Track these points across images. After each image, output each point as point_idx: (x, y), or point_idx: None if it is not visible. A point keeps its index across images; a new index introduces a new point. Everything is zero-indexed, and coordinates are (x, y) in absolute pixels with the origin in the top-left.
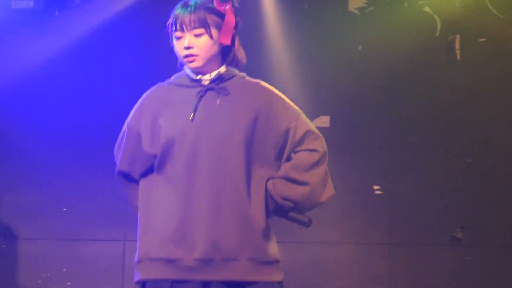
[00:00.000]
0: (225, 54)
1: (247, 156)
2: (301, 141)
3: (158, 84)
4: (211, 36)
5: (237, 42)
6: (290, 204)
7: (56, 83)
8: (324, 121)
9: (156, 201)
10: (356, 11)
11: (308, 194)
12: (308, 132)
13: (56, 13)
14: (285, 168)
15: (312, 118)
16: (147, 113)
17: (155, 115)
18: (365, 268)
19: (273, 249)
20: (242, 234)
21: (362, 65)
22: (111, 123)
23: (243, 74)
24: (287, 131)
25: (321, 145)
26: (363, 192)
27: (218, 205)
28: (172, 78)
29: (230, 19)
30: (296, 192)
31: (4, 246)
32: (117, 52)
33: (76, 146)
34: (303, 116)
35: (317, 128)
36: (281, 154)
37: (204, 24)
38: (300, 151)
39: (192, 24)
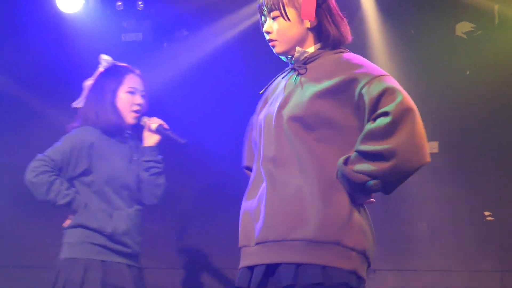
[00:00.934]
0: (319, 33)
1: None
2: (376, 104)
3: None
4: (287, 18)
5: (328, 17)
6: (365, 178)
7: (167, 112)
8: (433, 147)
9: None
10: (464, 36)
11: (386, 167)
12: (385, 92)
13: (165, 44)
14: (357, 140)
15: None
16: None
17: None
18: None
19: (334, 228)
20: (293, 213)
21: (471, 90)
22: (224, 150)
23: (340, 50)
24: (362, 96)
25: (397, 104)
26: (474, 218)
27: (273, 187)
28: None
29: None
30: (367, 166)
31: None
32: (224, 80)
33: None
34: (385, 77)
35: None
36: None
37: (277, 6)
38: (374, 118)
39: (268, 7)
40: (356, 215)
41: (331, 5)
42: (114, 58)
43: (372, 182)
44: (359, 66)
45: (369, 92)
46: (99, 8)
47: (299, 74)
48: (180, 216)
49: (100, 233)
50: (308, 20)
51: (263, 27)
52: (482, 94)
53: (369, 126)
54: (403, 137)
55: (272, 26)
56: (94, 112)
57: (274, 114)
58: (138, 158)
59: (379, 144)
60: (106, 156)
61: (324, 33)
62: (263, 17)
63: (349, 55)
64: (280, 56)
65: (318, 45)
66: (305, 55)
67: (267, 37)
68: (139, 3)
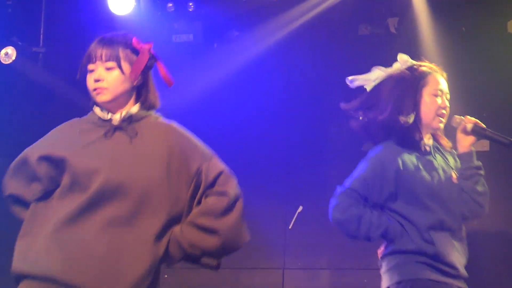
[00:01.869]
0: (139, 94)
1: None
2: (213, 183)
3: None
4: (122, 71)
5: (150, 84)
6: (197, 252)
7: (216, 112)
8: (484, 145)
9: None
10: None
11: (216, 243)
12: (221, 174)
13: (215, 45)
14: (194, 213)
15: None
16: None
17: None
18: None
19: None
20: (110, 273)
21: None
22: (261, 150)
23: (157, 115)
24: (199, 173)
25: (232, 187)
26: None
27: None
28: (87, 116)
29: (143, 57)
30: (204, 240)
31: (165, 276)
32: (273, 82)
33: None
34: (216, 159)
35: (476, 152)
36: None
37: (116, 58)
38: (210, 195)
39: (104, 56)
40: None
41: (151, 72)
42: (165, 58)
43: (204, 258)
44: (193, 142)
45: (207, 171)
46: (150, 10)
47: (128, 135)
48: None
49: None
50: (136, 79)
51: (89, 72)
52: None
53: (207, 201)
54: (235, 220)
55: (103, 75)
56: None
57: (109, 171)
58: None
59: (216, 221)
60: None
61: (144, 94)
62: (91, 65)
63: (176, 126)
64: (99, 111)
65: (138, 105)
66: (133, 114)
67: (95, 84)
68: (190, 4)
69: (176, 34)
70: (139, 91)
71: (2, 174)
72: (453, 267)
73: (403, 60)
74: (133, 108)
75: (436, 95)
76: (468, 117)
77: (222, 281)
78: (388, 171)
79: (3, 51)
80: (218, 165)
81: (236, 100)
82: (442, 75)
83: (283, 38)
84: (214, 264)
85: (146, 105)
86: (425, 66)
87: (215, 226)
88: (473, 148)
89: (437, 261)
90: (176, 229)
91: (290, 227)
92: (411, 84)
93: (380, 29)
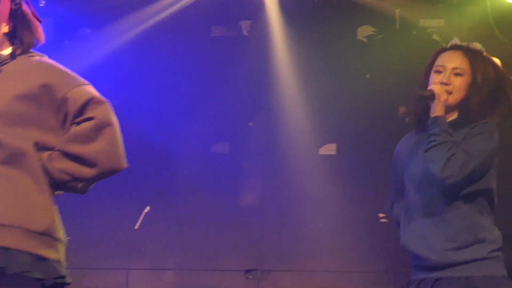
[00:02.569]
0: (13, 37)
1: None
2: (81, 110)
3: None
4: None
5: (26, 25)
6: (66, 177)
7: None
8: (331, 148)
9: None
10: (365, 39)
11: (85, 169)
12: (91, 100)
13: (66, 42)
14: (61, 141)
15: (319, 146)
16: None
17: None
18: None
19: (44, 220)
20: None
21: (371, 93)
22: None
23: (34, 54)
24: (65, 100)
25: (101, 111)
26: (369, 220)
27: None
28: None
29: (4, 3)
30: (72, 167)
31: None
32: (124, 81)
33: None
34: (87, 86)
35: (324, 156)
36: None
37: None
38: (79, 122)
39: None
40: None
41: (25, 12)
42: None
43: (71, 183)
44: (62, 72)
45: (74, 98)
46: None
47: None
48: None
49: None
50: (4, 25)
51: None
52: (381, 98)
53: (74, 128)
54: (104, 145)
55: None
56: None
57: None
58: None
59: (83, 148)
60: None
61: (18, 38)
62: None
63: (47, 61)
64: None
65: (10, 49)
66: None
67: None
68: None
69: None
70: (14, 34)
71: None
72: (420, 257)
73: (450, 43)
74: (4, 52)
75: (437, 71)
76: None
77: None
78: (393, 160)
79: None
80: (87, 91)
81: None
82: (455, 50)
83: (136, 37)
84: (80, 188)
85: (23, 47)
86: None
87: (81, 151)
88: (433, 115)
89: (411, 257)
90: (44, 155)
91: (136, 227)
92: (427, 67)
93: (233, 31)
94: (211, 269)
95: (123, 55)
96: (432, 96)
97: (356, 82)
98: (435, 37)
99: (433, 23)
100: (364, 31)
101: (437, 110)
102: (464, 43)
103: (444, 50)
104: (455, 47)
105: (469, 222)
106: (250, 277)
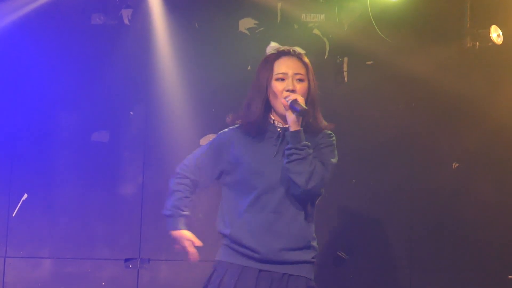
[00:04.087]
0: None
1: None
2: None
3: None
4: None
5: None
6: None
7: None
8: (211, 138)
9: None
10: (247, 32)
11: None
12: None
13: None
14: None
15: (200, 136)
16: None
17: None
18: None
19: None
20: None
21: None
22: None
23: None
24: None
25: None
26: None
27: None
28: None
29: None
30: None
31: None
32: None
33: None
34: None
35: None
36: None
37: None
38: None
39: None
40: None
41: None
42: None
43: None
44: None
45: None
46: None
47: None
48: None
49: None
50: None
51: None
52: None
53: None
54: None
55: None
56: None
57: None
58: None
59: None
60: None
61: None
62: None
63: None
64: None
65: None
66: None
67: None
68: None
69: None
70: None
71: None
72: (253, 250)
73: (270, 48)
74: None
75: (278, 79)
76: (289, 93)
77: None
78: (216, 146)
79: None
80: None
81: None
82: (293, 57)
83: (11, 24)
84: None
85: None
86: (278, 50)
87: None
88: (298, 128)
89: (236, 244)
90: None
91: (13, 215)
92: (261, 75)
93: (113, 19)
94: (90, 258)
95: None
96: (305, 112)
97: (237, 74)
98: (316, 31)
99: (314, 18)
100: (246, 23)
101: (296, 123)
102: (288, 48)
103: (278, 56)
104: (288, 53)
105: (307, 227)
106: (130, 266)
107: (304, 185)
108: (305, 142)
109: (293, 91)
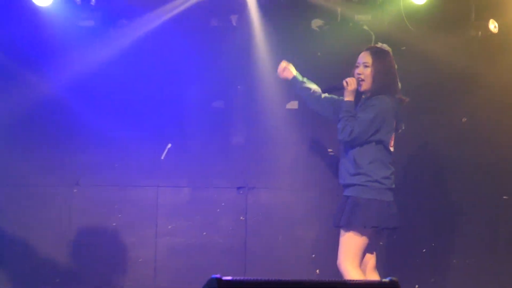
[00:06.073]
0: None
1: None
2: None
3: None
4: None
5: None
6: None
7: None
8: (293, 104)
9: None
10: (317, 29)
11: None
12: None
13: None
14: None
15: (285, 103)
16: None
17: None
18: None
19: None
20: None
21: (321, 69)
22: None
23: None
24: None
25: None
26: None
27: None
28: None
29: None
30: None
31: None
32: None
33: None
34: None
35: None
36: None
37: None
38: None
39: None
40: None
41: None
42: (68, 41)
43: None
44: None
45: None
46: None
47: None
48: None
49: None
50: None
51: None
52: (328, 73)
53: None
54: None
55: None
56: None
57: None
58: None
59: None
60: None
61: None
62: None
63: None
64: None
65: None
66: None
67: None
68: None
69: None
70: None
71: None
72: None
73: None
74: None
75: (355, 66)
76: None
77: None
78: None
79: None
80: None
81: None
82: (366, 51)
83: (158, 27)
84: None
85: None
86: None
87: None
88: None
89: None
90: None
91: (162, 157)
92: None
93: (225, 22)
94: (215, 187)
95: (137, 49)
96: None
97: (309, 61)
98: (365, 27)
99: (363, 18)
100: (316, 23)
101: (347, 96)
102: (375, 45)
103: (365, 49)
104: (367, 49)
105: (354, 161)
106: (241, 192)
107: (339, 136)
108: (347, 109)
109: (359, 74)
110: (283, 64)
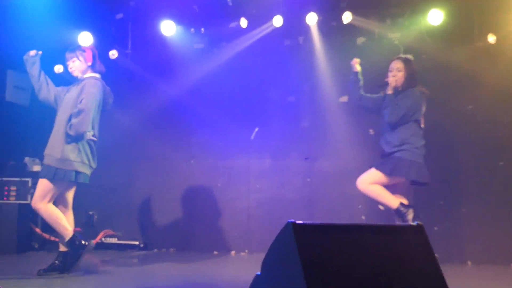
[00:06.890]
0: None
1: None
2: None
3: None
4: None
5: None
6: None
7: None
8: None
9: None
10: (361, 45)
11: None
12: None
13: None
14: None
15: (338, 97)
16: None
17: None
18: None
19: None
20: None
21: (363, 73)
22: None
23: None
24: None
25: None
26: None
27: None
28: None
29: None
30: None
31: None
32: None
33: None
34: None
35: (340, 102)
36: None
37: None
38: None
39: None
40: None
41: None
42: (185, 62)
43: None
44: None
45: None
46: (185, 31)
47: None
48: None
49: None
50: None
51: None
52: (367, 78)
53: None
54: None
55: None
56: None
57: None
58: None
59: None
60: None
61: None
62: None
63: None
64: None
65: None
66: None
67: None
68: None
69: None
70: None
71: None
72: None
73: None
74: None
75: (389, 71)
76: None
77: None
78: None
79: (110, 52)
80: None
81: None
82: (397, 59)
83: (238, 53)
84: None
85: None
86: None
87: None
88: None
89: None
90: None
91: (252, 138)
92: None
93: (294, 41)
94: (286, 158)
95: (234, 63)
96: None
97: (352, 70)
98: (396, 42)
99: (394, 35)
100: (360, 40)
101: (389, 90)
102: (403, 56)
103: (392, 60)
104: (397, 58)
105: (399, 136)
106: (307, 161)
107: (389, 118)
108: (391, 99)
109: (394, 76)
110: (357, 60)
